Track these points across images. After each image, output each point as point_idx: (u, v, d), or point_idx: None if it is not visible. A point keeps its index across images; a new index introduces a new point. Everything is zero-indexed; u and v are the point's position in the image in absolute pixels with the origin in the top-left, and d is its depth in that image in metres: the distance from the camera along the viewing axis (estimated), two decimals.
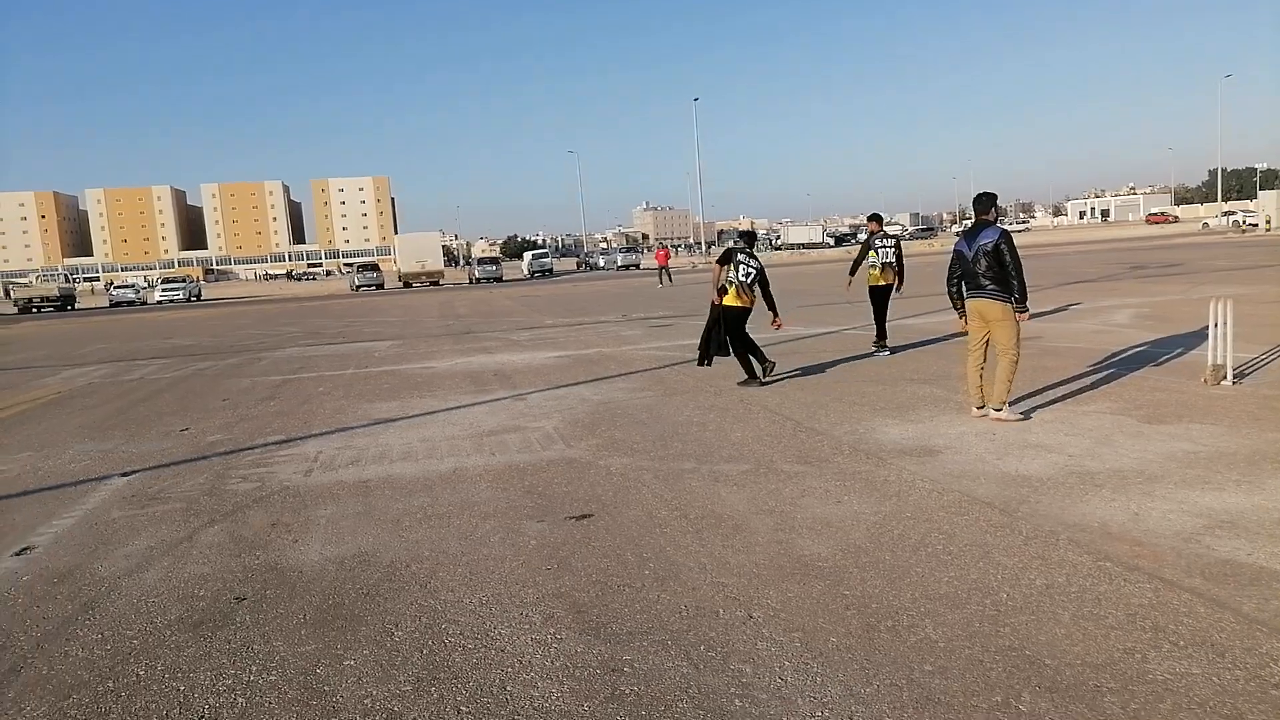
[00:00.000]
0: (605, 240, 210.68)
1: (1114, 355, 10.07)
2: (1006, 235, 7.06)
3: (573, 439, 7.40)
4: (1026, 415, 7.15)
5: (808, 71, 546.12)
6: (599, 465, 6.46)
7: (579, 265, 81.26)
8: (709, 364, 9.49)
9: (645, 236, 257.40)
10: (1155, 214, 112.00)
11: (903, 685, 3.08)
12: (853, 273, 12.05)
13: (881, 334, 11.55)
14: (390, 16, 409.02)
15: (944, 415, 7.46)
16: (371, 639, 3.73)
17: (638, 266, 67.13)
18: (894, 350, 11.47)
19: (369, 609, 4.05)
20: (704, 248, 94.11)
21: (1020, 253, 7.15)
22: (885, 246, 11.52)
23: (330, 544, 5.01)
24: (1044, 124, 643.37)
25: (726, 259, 9.35)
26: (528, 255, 69.99)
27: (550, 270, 65.18)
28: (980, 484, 5.42)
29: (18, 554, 5.16)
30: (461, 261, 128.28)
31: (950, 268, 7.50)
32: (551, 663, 3.41)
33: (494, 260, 62.86)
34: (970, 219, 7.60)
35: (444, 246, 72.36)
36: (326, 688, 3.32)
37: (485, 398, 9.78)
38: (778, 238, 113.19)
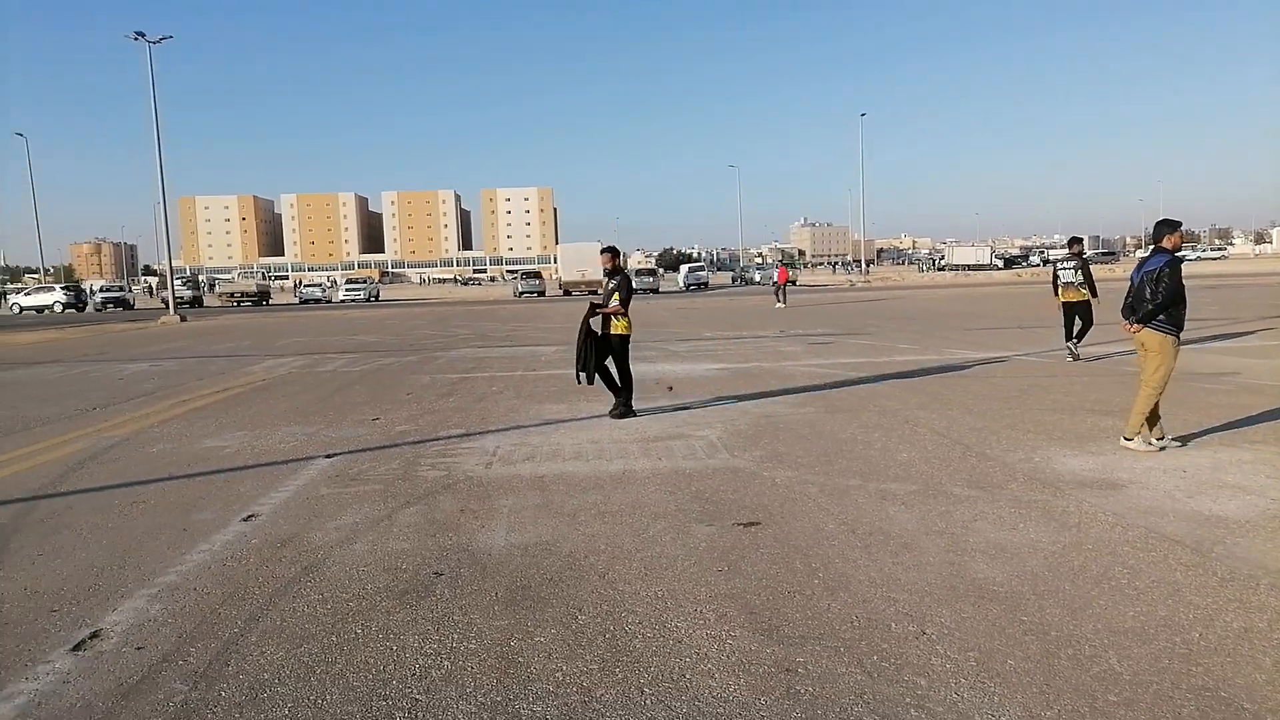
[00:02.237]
0: (761, 255, 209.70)
1: None
2: (1174, 261, 7.00)
3: (736, 449, 7.55)
4: (1161, 447, 6.97)
5: (979, 86, 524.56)
6: (763, 476, 6.58)
7: (734, 279, 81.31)
8: (590, 381, 9.18)
9: (802, 253, 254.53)
10: None
11: (1085, 713, 3.06)
12: (1056, 293, 13.44)
13: (1068, 336, 13.03)
14: (561, 36, 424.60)
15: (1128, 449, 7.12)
16: (558, 620, 4.01)
17: (794, 282, 66.53)
18: (1076, 357, 12.74)
19: (554, 593, 4.35)
20: (863, 266, 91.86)
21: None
22: (1067, 268, 13.15)
23: (514, 531, 5.38)
24: (1246, 141, 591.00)
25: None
26: (683, 268, 70.74)
27: (705, 284, 65.46)
28: (1169, 521, 5.19)
29: (245, 520, 5.83)
30: None
31: (1125, 294, 7.49)
32: (727, 657, 3.58)
33: (651, 272, 63.88)
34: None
35: None
36: (521, 659, 3.63)
37: (649, 405, 10.08)
38: (942, 258, 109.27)
